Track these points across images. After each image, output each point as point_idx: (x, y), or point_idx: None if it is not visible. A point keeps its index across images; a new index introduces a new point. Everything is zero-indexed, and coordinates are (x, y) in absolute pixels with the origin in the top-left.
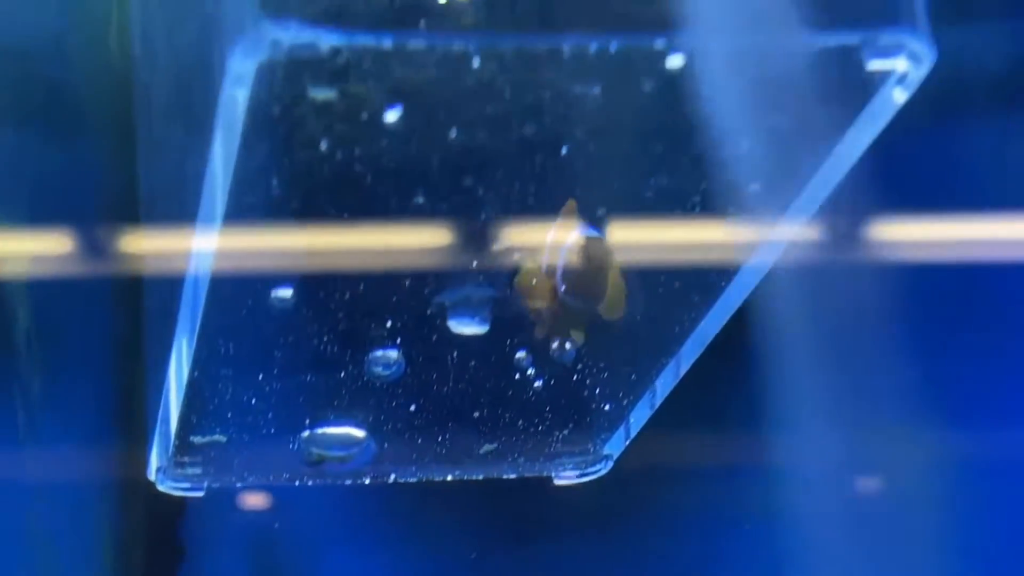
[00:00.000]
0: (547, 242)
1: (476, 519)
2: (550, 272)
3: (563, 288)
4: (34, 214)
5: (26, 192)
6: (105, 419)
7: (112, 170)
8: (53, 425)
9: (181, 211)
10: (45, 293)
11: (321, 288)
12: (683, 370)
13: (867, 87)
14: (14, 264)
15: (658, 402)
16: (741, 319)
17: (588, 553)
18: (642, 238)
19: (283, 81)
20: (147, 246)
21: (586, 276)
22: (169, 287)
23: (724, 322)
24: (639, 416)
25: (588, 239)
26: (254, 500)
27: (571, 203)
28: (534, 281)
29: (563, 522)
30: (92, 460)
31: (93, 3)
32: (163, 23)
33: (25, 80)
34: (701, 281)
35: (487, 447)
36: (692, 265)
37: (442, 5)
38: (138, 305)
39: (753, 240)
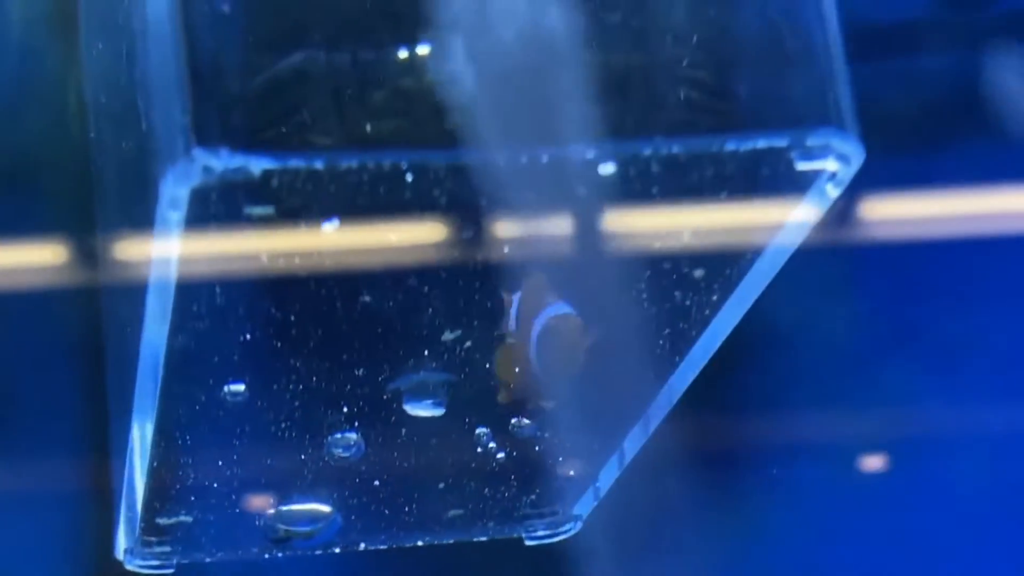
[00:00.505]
0: (514, 312)
1: None
2: (519, 346)
3: (537, 365)
4: None
5: None
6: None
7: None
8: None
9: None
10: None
11: (274, 380)
12: (652, 427)
13: (800, 184)
14: None
15: (627, 461)
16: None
17: None
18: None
19: (217, 202)
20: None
21: (562, 355)
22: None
23: (693, 376)
24: (608, 476)
25: (561, 318)
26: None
27: (539, 276)
28: (509, 357)
29: None
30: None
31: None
32: (109, 123)
33: None
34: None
35: (455, 512)
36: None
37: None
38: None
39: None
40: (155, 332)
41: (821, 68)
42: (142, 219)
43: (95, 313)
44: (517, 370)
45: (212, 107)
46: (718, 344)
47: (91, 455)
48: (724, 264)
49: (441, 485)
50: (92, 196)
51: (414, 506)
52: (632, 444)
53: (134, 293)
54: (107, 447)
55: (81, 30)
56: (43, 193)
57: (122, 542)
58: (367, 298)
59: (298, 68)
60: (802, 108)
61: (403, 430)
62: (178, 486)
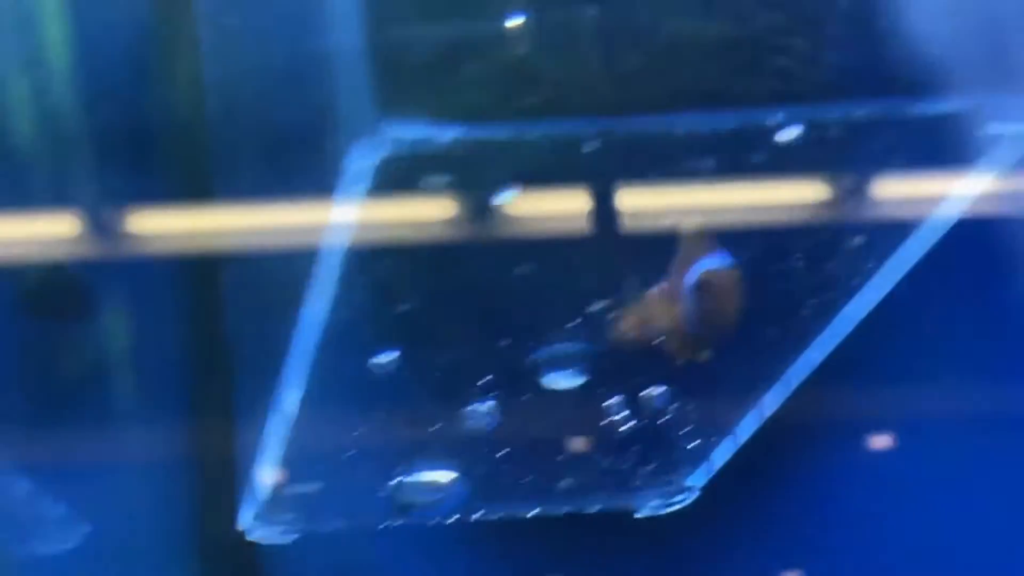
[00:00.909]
0: (674, 265)
1: None
2: (673, 297)
3: (690, 319)
4: None
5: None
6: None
7: None
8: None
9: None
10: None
11: (422, 351)
12: (767, 413)
13: (986, 149)
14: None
15: (741, 442)
16: None
17: None
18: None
19: (400, 173)
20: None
21: (714, 310)
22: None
23: (811, 368)
24: (722, 452)
25: (716, 271)
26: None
27: (700, 226)
28: (657, 308)
29: None
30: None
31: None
32: (251, 96)
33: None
34: (795, 327)
35: (571, 482)
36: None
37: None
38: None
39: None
40: (316, 300)
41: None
42: (303, 188)
43: (217, 281)
44: (666, 321)
45: (399, 79)
46: (860, 317)
47: (214, 423)
48: (886, 233)
49: (561, 456)
50: (210, 169)
51: (533, 476)
52: (747, 426)
53: (284, 262)
54: (231, 415)
55: (199, 10)
56: (158, 165)
57: (247, 511)
58: (526, 268)
59: (477, 38)
60: (994, 71)
61: (537, 400)
62: (312, 453)
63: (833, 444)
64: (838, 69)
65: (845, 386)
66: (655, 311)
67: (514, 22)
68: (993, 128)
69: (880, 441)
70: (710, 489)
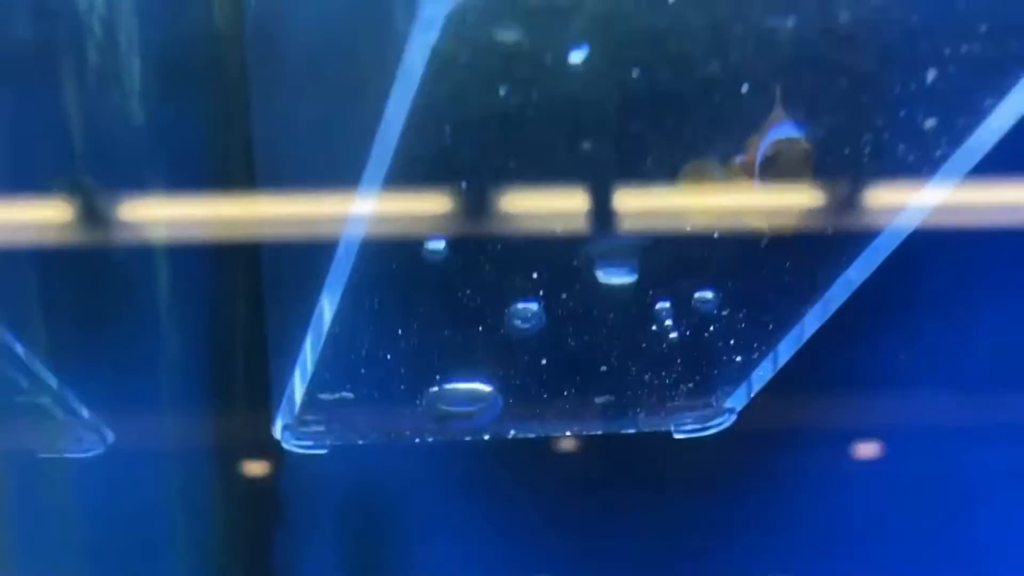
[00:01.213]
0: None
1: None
2: (747, 169)
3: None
4: (145, 178)
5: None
6: (216, 384)
7: (222, 132)
8: (169, 389)
9: (326, 162)
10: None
11: (472, 240)
12: (807, 335)
13: None
14: (152, 228)
15: (780, 363)
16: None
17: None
18: (779, 201)
19: (471, 25)
20: (272, 203)
21: (785, 181)
22: (303, 249)
23: (850, 292)
24: (762, 374)
25: (786, 141)
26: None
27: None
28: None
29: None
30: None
31: None
32: None
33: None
34: (834, 247)
35: (608, 399)
36: (824, 232)
37: None
38: (253, 269)
39: (894, 205)
40: (368, 183)
41: None
42: (352, 77)
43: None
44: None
45: None
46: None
47: (248, 327)
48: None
49: (604, 368)
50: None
51: (572, 390)
52: (788, 346)
53: (330, 147)
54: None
55: None
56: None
57: (280, 419)
58: (586, 143)
59: None
60: None
61: (585, 302)
62: (351, 356)
63: (807, 452)
64: None
65: (825, 391)
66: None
67: None
68: None
69: (861, 449)
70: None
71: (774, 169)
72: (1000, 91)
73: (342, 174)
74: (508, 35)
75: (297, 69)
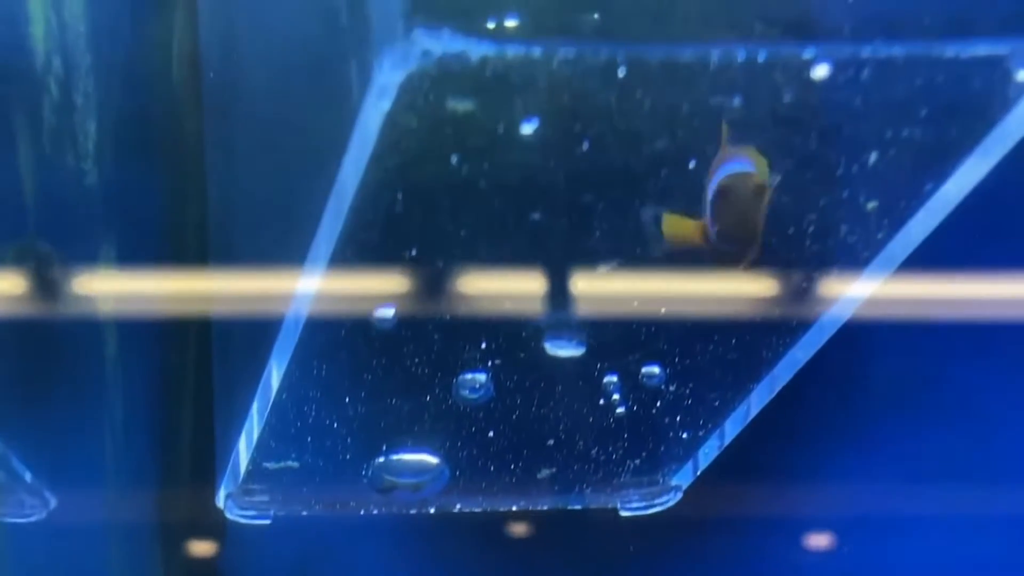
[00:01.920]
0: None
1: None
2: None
3: (714, 231)
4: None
5: (89, 222)
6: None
7: (178, 202)
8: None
9: (279, 228)
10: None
11: (421, 309)
12: (752, 413)
13: (1008, 101)
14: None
15: (727, 441)
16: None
17: None
18: (725, 286)
19: (426, 92)
20: (225, 268)
21: (736, 217)
22: (252, 319)
23: (794, 372)
24: (708, 452)
25: (739, 176)
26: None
27: (723, 128)
28: (681, 225)
29: None
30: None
31: (152, 29)
32: (254, 47)
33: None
34: (780, 327)
35: (555, 474)
36: (772, 314)
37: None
38: (202, 337)
39: (837, 292)
40: (317, 251)
41: None
42: (305, 144)
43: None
44: (691, 240)
45: None
46: (845, 319)
47: (193, 396)
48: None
49: (551, 442)
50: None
51: (519, 463)
52: (733, 424)
53: (286, 213)
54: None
55: None
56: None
57: (224, 488)
58: (536, 215)
59: None
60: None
61: (533, 374)
62: (297, 424)
63: (753, 537)
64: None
65: (769, 478)
66: (688, 229)
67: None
68: (1018, 75)
69: (808, 538)
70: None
71: (726, 205)
72: (941, 175)
73: (296, 244)
74: (461, 105)
75: (253, 139)
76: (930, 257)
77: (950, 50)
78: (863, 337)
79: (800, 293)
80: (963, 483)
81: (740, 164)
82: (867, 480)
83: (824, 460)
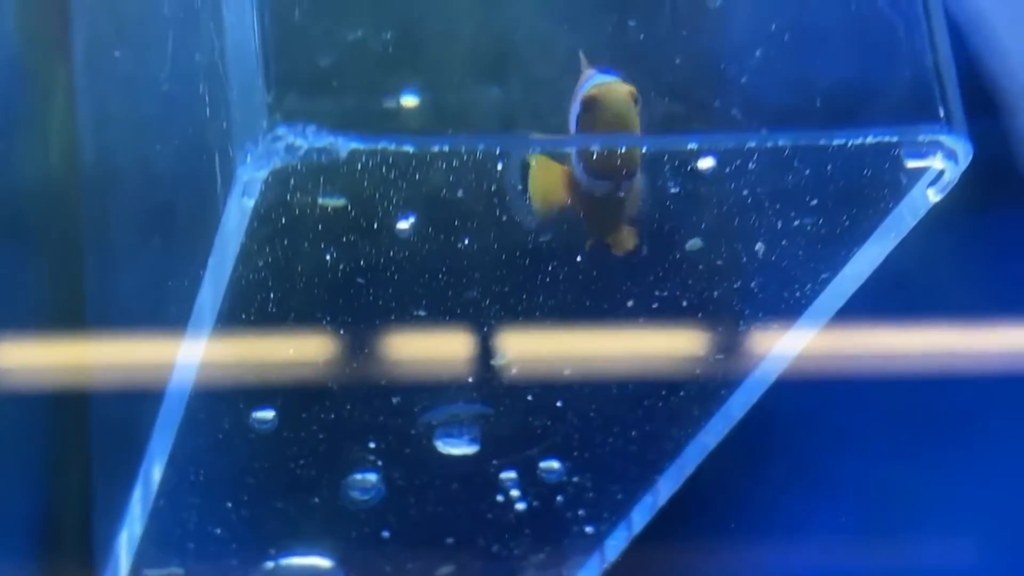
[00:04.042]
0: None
1: None
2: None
3: (582, 168)
4: None
5: None
6: (38, 548)
7: (54, 282)
8: None
9: (152, 321)
10: None
11: (304, 408)
12: (660, 502)
13: (901, 186)
14: None
15: (635, 532)
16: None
17: None
18: (630, 351)
19: (294, 188)
20: (100, 359)
21: (610, 130)
22: (128, 405)
23: (706, 453)
24: (615, 543)
25: (606, 86)
26: None
27: (582, 57)
28: (549, 171)
29: None
30: None
31: (30, 116)
32: (128, 134)
33: None
34: (682, 413)
35: (454, 573)
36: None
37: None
38: (83, 424)
39: (738, 380)
40: (188, 353)
41: (928, 62)
42: (178, 235)
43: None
44: (556, 191)
45: (295, 84)
46: (753, 400)
47: (72, 502)
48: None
49: (451, 540)
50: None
51: (417, 563)
52: (641, 513)
53: (159, 303)
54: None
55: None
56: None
57: None
58: (421, 311)
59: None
60: (912, 104)
61: (426, 472)
62: (178, 530)
63: None
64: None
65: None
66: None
67: (409, 101)
68: (908, 162)
69: None
70: None
71: (597, 117)
72: (834, 264)
73: (169, 330)
74: (331, 201)
75: (128, 224)
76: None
77: (840, 138)
78: (764, 423)
79: (699, 384)
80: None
81: (606, 75)
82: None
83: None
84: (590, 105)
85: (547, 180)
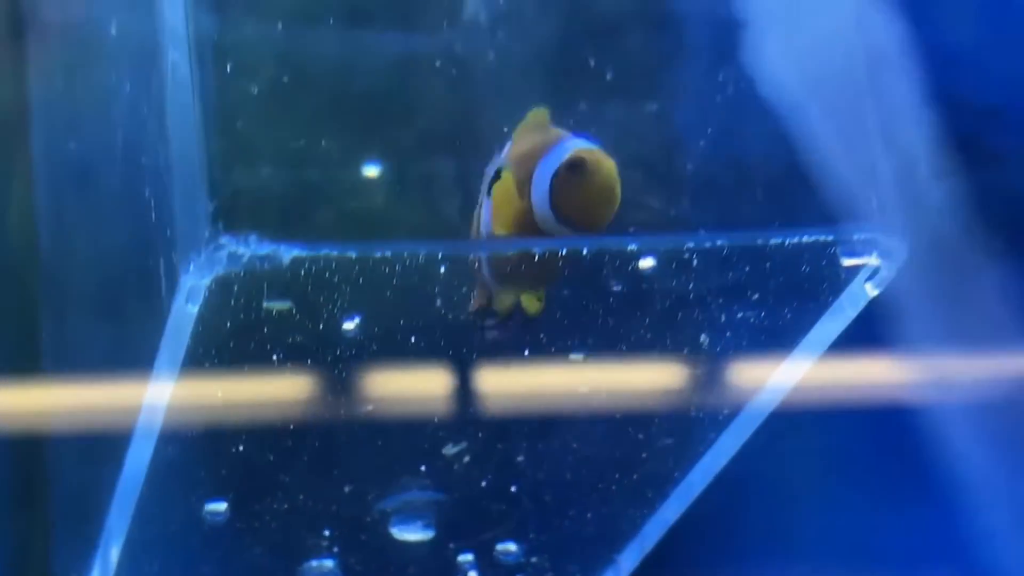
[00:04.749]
0: (511, 153)
1: None
2: (522, 191)
3: (555, 212)
4: None
5: None
6: None
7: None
8: None
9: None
10: None
11: (257, 499)
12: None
13: (839, 282)
14: None
15: None
16: None
17: None
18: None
19: (238, 294)
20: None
21: (589, 197)
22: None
23: (666, 528)
24: None
25: (589, 152)
26: None
27: (542, 112)
28: (510, 200)
29: None
30: None
31: None
32: (83, 227)
33: None
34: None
35: None
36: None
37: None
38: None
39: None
40: (140, 448)
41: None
42: (129, 331)
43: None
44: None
45: (238, 193)
46: (708, 479)
47: None
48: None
49: None
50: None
51: None
52: None
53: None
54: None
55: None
56: None
57: None
58: (370, 407)
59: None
60: (847, 204)
61: (384, 557)
62: None
63: None
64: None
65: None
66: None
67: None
68: (844, 260)
69: None
70: None
71: (584, 179)
72: (779, 355)
73: (120, 423)
74: (276, 304)
75: (80, 315)
76: None
77: (776, 239)
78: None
79: (651, 466)
80: None
81: (586, 141)
82: None
83: None
84: (577, 166)
85: (506, 205)
